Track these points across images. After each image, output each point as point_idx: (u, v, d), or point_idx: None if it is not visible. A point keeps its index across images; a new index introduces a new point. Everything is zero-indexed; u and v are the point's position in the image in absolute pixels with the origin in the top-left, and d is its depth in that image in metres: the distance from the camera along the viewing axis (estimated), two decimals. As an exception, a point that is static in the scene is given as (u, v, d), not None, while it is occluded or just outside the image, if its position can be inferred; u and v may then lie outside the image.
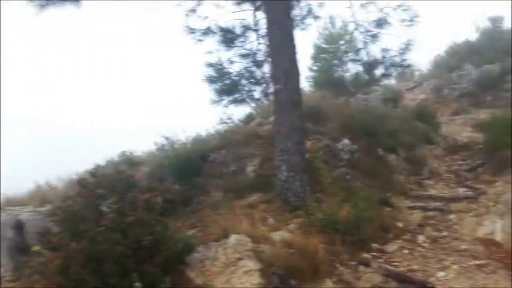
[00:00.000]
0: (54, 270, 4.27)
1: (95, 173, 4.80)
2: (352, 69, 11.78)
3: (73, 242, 4.18)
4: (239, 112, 10.73)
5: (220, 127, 10.31)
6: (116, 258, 4.12)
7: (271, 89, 9.51)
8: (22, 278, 4.91)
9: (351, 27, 9.63)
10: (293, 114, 6.26)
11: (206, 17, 8.21)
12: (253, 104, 9.67)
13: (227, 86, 8.95)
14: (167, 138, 11.05)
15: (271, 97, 9.52)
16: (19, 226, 5.19)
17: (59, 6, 6.42)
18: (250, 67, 9.11)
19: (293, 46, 6.44)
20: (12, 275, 4.85)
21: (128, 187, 4.74)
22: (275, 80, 6.51)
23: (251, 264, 4.69)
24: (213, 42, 8.59)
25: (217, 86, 8.86)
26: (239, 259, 4.72)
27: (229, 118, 10.44)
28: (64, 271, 4.13)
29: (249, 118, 10.68)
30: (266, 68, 9.26)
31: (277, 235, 5.12)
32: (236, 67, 8.98)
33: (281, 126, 6.24)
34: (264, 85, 9.49)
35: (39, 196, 6.64)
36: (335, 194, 6.07)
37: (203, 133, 10.35)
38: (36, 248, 4.74)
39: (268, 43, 7.11)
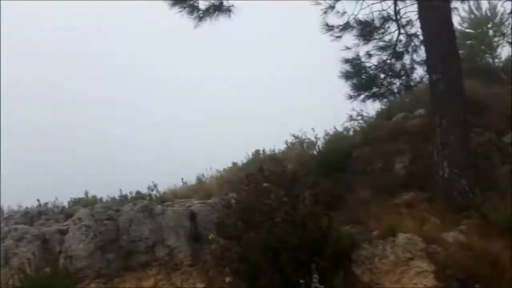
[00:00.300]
0: (232, 258, 4.64)
1: (262, 168, 5.05)
2: (505, 54, 10.41)
3: (251, 232, 4.46)
4: (369, 108, 10.26)
5: (351, 124, 10.12)
6: (291, 249, 4.28)
7: (412, 82, 9.03)
8: (199, 263, 5.46)
9: (506, 6, 8.55)
10: (454, 105, 5.75)
11: (344, 13, 8.09)
12: (392, 98, 9.19)
13: (364, 80, 8.71)
14: (296, 137, 11.29)
15: (412, 89, 9.03)
16: (192, 216, 5.75)
17: (214, 17, 7.00)
18: (389, 59, 8.72)
19: (451, 31, 5.93)
20: (191, 260, 5.40)
21: (293, 182, 4.90)
22: (432, 69, 6.05)
23: (424, 265, 4.43)
24: (350, 37, 8.47)
25: (354, 81, 8.67)
26: (411, 259, 4.49)
27: (359, 115, 10.16)
28: (244, 259, 4.44)
29: (384, 113, 10.20)
30: (407, 59, 8.79)
31: (449, 236, 4.73)
32: (374, 61, 8.71)
33: (441, 118, 5.76)
34: (404, 77, 9.01)
35: (201, 190, 7.31)
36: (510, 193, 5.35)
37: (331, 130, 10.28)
38: (212, 236, 5.21)
39: (421, 30, 6.65)
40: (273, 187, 4.92)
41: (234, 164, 10.77)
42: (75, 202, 7.14)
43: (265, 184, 4.93)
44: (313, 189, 4.66)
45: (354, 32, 8.34)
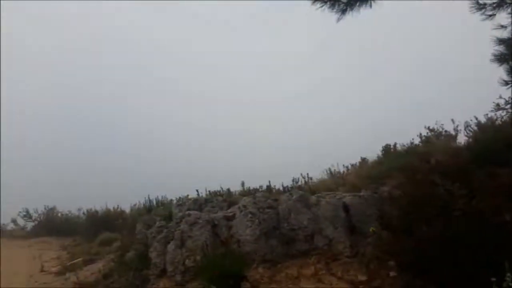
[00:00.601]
0: (399, 251, 4.53)
1: (429, 160, 4.83)
2: None
3: (423, 226, 4.30)
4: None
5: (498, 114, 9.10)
6: (472, 244, 4.00)
7: None
8: (358, 255, 5.45)
9: None
10: None
11: (499, -12, 7.24)
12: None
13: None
14: (432, 130, 10.58)
15: None
16: (346, 208, 5.77)
17: (356, 8, 6.90)
18: (555, 36, 7.55)
19: None
20: (350, 251, 5.43)
21: (466, 174, 4.58)
22: None
23: None
24: (505, 15, 7.56)
25: (511, 64, 7.72)
26: None
27: (508, 103, 9.07)
28: (416, 253, 4.29)
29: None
30: None
31: None
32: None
33: None
34: None
35: (344, 182, 7.30)
36: None
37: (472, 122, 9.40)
38: (372, 228, 5.17)
39: None
40: (440, 179, 4.68)
41: (363, 159, 10.62)
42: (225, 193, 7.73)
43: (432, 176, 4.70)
44: (495, 181, 4.27)
45: (510, 9, 7.42)
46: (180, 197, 11.15)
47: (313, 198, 5.75)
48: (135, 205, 12.52)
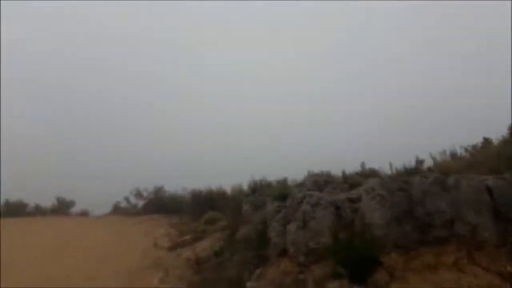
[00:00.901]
0: None
1: None
2: None
3: None
4: None
5: None
6: None
7: None
8: (507, 243, 4.85)
9: None
10: None
11: None
12: None
13: None
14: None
15: None
16: (489, 192, 5.15)
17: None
18: None
19: None
20: (497, 239, 4.84)
21: None
22: None
23: None
24: None
25: None
26: None
27: None
28: None
29: None
30: None
31: None
32: None
33: None
34: None
35: (470, 164, 6.58)
36: None
37: None
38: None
39: None
40: None
41: (486, 139, 9.67)
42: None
43: None
44: None
45: None
46: (279, 179, 11.17)
47: (450, 180, 5.20)
48: (237, 185, 12.86)
